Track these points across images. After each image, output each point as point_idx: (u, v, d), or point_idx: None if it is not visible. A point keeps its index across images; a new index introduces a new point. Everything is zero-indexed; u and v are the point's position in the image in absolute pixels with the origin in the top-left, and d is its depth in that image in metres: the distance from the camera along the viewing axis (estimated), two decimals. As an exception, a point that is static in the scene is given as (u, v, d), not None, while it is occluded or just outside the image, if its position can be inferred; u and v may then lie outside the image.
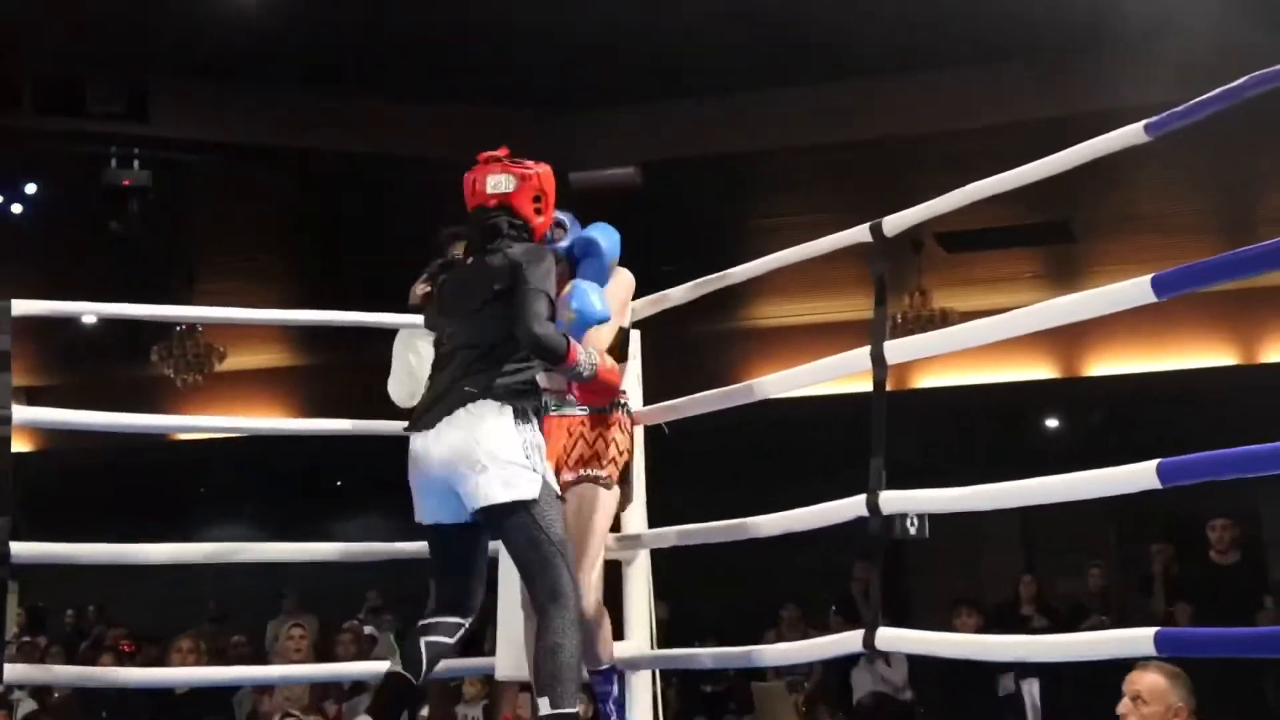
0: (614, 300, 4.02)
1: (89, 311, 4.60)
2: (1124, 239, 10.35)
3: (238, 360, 12.03)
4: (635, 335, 4.36)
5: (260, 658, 9.59)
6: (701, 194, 9.26)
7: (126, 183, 8.12)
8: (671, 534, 4.39)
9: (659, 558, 4.51)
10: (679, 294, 4.49)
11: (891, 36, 7.48)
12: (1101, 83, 7.49)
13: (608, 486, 4.04)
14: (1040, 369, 12.30)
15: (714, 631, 9.84)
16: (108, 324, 10.51)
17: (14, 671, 4.29)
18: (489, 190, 3.74)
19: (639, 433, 4.35)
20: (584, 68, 7.84)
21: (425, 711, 7.62)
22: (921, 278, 10.41)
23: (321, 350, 13.32)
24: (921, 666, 8.40)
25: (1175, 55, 6.83)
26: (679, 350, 7.00)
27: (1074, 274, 11.20)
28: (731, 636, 7.47)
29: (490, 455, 3.48)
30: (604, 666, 4.08)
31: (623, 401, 4.17)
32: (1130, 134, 3.17)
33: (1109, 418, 11.83)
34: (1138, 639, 2.93)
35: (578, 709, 3.44)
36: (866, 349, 3.77)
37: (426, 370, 3.86)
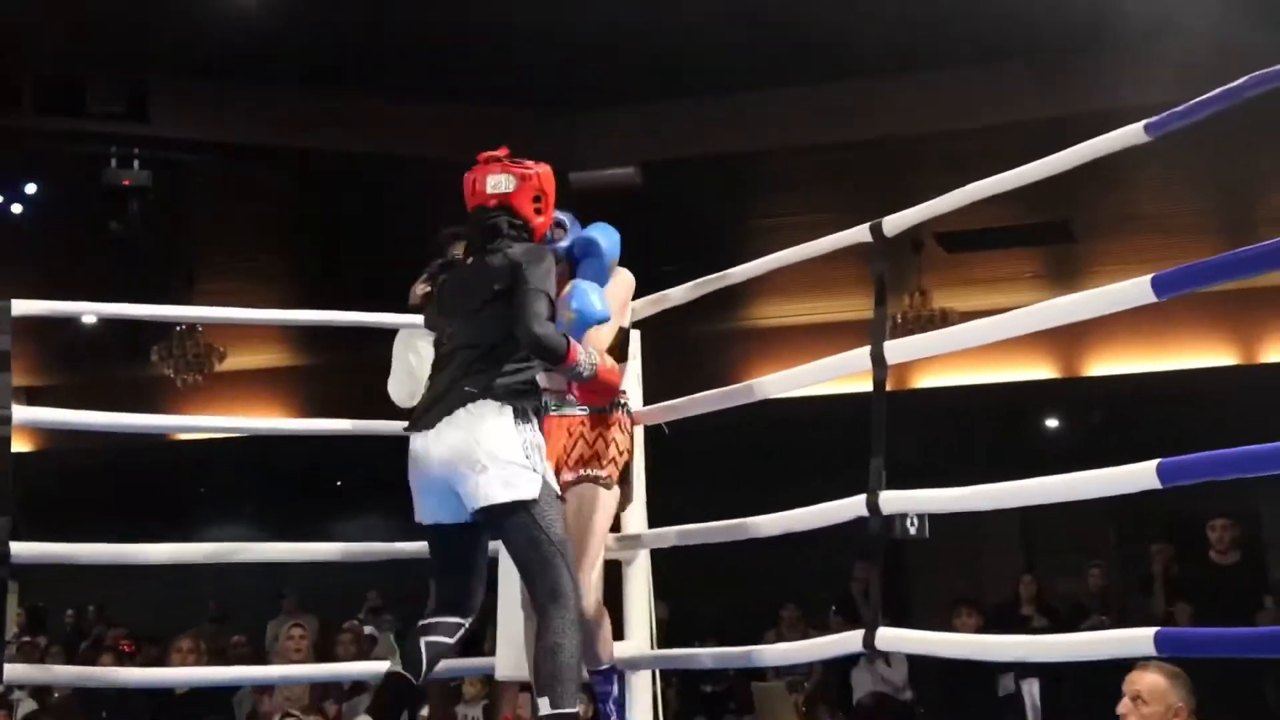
0: (614, 300, 4.02)
1: (89, 311, 4.60)
2: (1124, 239, 10.35)
3: (238, 360, 12.03)
4: (635, 335, 4.36)
5: (260, 658, 9.59)
6: (701, 194, 9.26)
7: (126, 183, 8.12)
8: (671, 534, 4.39)
9: (659, 558, 4.51)
10: (679, 294, 4.49)
11: (891, 36, 7.48)
12: (1102, 83, 7.49)
13: (608, 486, 4.04)
14: (1040, 369, 12.30)
15: (714, 631, 9.84)
16: (108, 324, 10.51)
17: (14, 671, 4.28)
18: (489, 190, 3.74)
19: (639, 433, 4.35)
20: (584, 68, 7.84)
21: (425, 712, 7.62)
22: (922, 278, 10.41)
23: (321, 350, 13.32)
24: (922, 666, 8.40)
25: (1175, 55, 6.83)
26: (679, 350, 7.00)
27: (1074, 274, 11.20)
28: (731, 636, 7.46)
29: (490, 455, 3.47)
30: (604, 666, 4.08)
31: (623, 402, 4.18)
32: (1130, 134, 3.17)
33: (1109, 418, 11.82)
34: (1138, 639, 2.93)
35: (578, 709, 3.43)
36: (866, 349, 3.77)
37: (426, 370, 3.86)
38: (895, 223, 3.82)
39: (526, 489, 3.48)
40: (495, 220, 3.73)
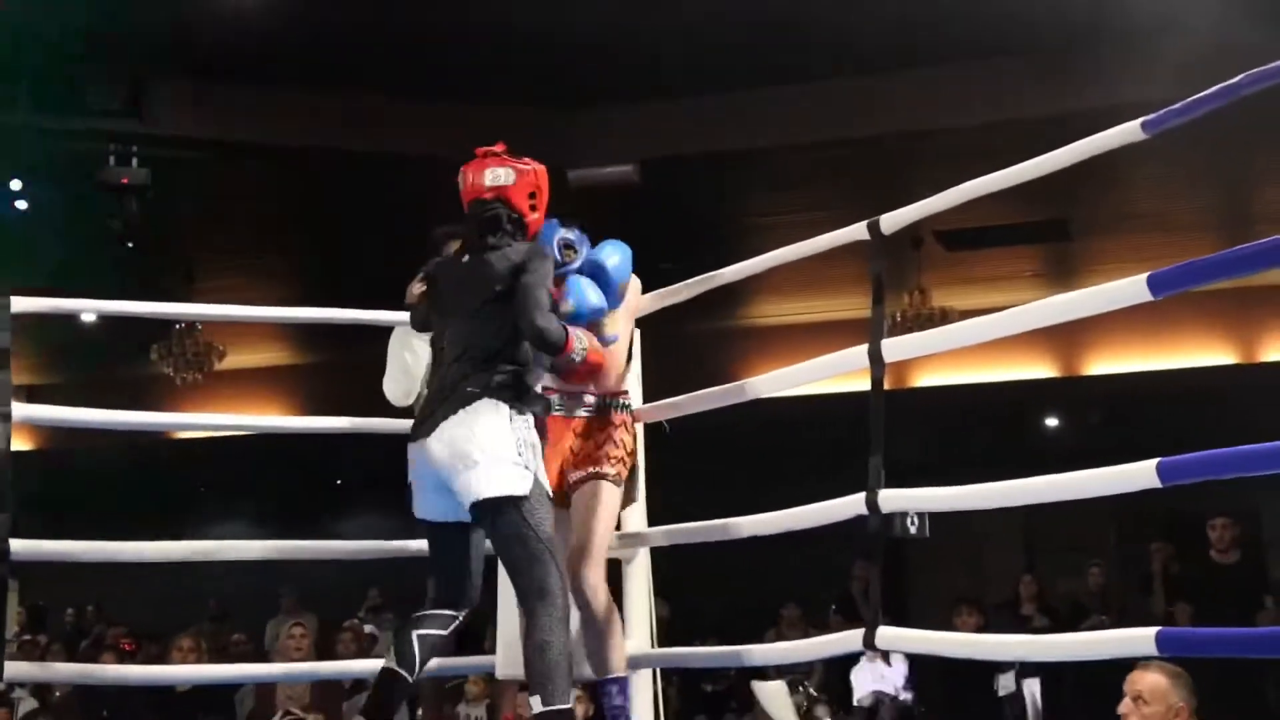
0: (625, 310, 4.06)
1: (88, 309, 4.61)
2: (1122, 237, 10.34)
3: (237, 358, 12.03)
4: (635, 334, 4.37)
5: (260, 656, 9.59)
6: (700, 192, 9.26)
7: (125, 180, 8.11)
8: (671, 532, 4.39)
9: (659, 556, 4.51)
10: (678, 292, 4.49)
11: (890, 34, 7.47)
12: (1101, 81, 7.49)
13: (616, 483, 4.05)
14: (1040, 368, 12.30)
15: (715, 630, 9.83)
16: (107, 322, 10.49)
17: (15, 669, 4.29)
18: (487, 183, 3.76)
19: (639, 430, 4.35)
20: (583, 67, 7.84)
21: (420, 712, 7.63)
22: (921, 276, 10.40)
23: (321, 349, 13.32)
24: (922, 666, 8.40)
25: (1175, 53, 6.83)
26: (678, 348, 6.99)
27: (1073, 272, 11.19)
28: (732, 635, 7.46)
29: (482, 451, 3.49)
30: (613, 675, 4.03)
31: (625, 401, 4.19)
32: (1128, 131, 3.17)
33: (1108, 417, 11.82)
34: (1140, 639, 2.93)
35: (570, 705, 3.43)
36: (865, 347, 3.77)
37: (422, 369, 3.87)
38: (893, 220, 3.82)
39: (517, 485, 3.49)
40: (494, 212, 3.73)
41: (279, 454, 12.20)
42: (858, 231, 3.89)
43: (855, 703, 8.74)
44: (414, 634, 3.62)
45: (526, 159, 3.82)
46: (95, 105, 7.77)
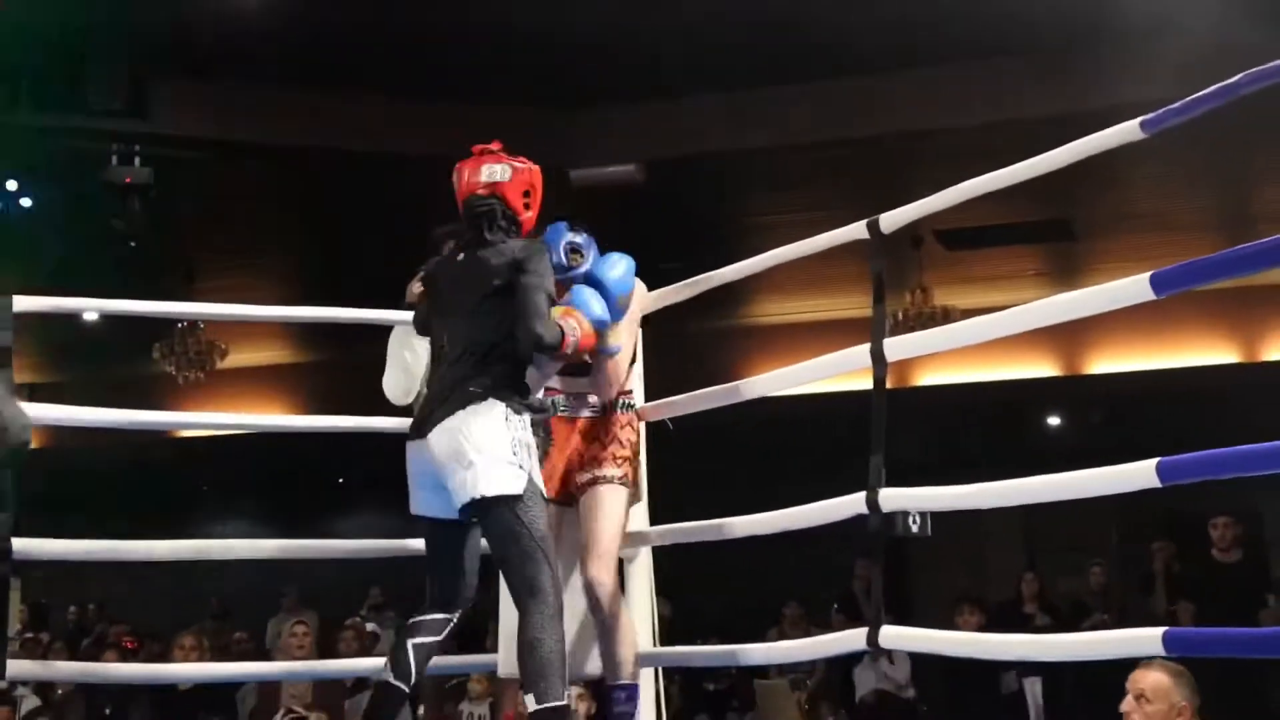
0: (627, 320, 4.07)
1: (91, 308, 4.61)
2: (1123, 237, 10.34)
3: (239, 357, 12.03)
4: (639, 333, 4.37)
5: (262, 654, 9.60)
6: (701, 192, 9.26)
7: (128, 180, 8.11)
8: (673, 531, 4.39)
9: (660, 555, 4.51)
10: (679, 291, 4.49)
11: (890, 34, 7.47)
12: (1101, 80, 7.49)
13: (624, 484, 4.05)
14: (1041, 367, 12.30)
15: (716, 629, 9.83)
16: (109, 321, 10.49)
17: (17, 668, 4.29)
18: (483, 179, 3.79)
19: (641, 429, 4.36)
20: (583, 67, 7.84)
21: (421, 711, 7.62)
22: (922, 275, 10.40)
23: (323, 347, 13.33)
24: (924, 664, 8.40)
25: (1174, 53, 6.83)
26: (679, 347, 6.99)
27: (1074, 272, 11.19)
28: (734, 634, 7.47)
29: (477, 450, 3.51)
30: (623, 681, 4.04)
31: (629, 401, 4.20)
32: (1127, 130, 3.17)
33: (1109, 416, 11.82)
34: (1146, 638, 2.94)
35: (564, 701, 3.44)
36: (866, 346, 3.77)
37: (422, 368, 3.88)
38: (892, 220, 3.83)
39: (511, 484, 3.51)
40: (490, 206, 3.76)
41: (281, 453, 12.21)
42: (857, 231, 3.90)
43: (857, 701, 8.75)
44: (409, 644, 3.65)
45: (522, 158, 3.85)
46: (97, 105, 7.77)
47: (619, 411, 4.14)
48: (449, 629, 3.71)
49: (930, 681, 8.67)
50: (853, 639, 3.78)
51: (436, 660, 3.77)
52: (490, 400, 3.55)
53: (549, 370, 3.91)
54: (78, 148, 8.33)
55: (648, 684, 4.35)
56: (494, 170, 3.79)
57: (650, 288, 4.35)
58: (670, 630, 5.78)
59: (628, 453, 4.10)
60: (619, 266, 4.02)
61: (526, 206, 3.82)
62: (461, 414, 3.54)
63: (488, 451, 3.50)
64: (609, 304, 3.93)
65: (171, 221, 9.15)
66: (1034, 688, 8.04)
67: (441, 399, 3.61)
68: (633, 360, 4.26)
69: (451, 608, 3.71)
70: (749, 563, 8.06)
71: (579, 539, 4.04)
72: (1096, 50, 7.51)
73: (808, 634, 8.78)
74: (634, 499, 4.18)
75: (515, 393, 3.61)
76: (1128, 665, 3.83)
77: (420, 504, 3.71)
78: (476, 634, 7.20)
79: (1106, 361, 12.15)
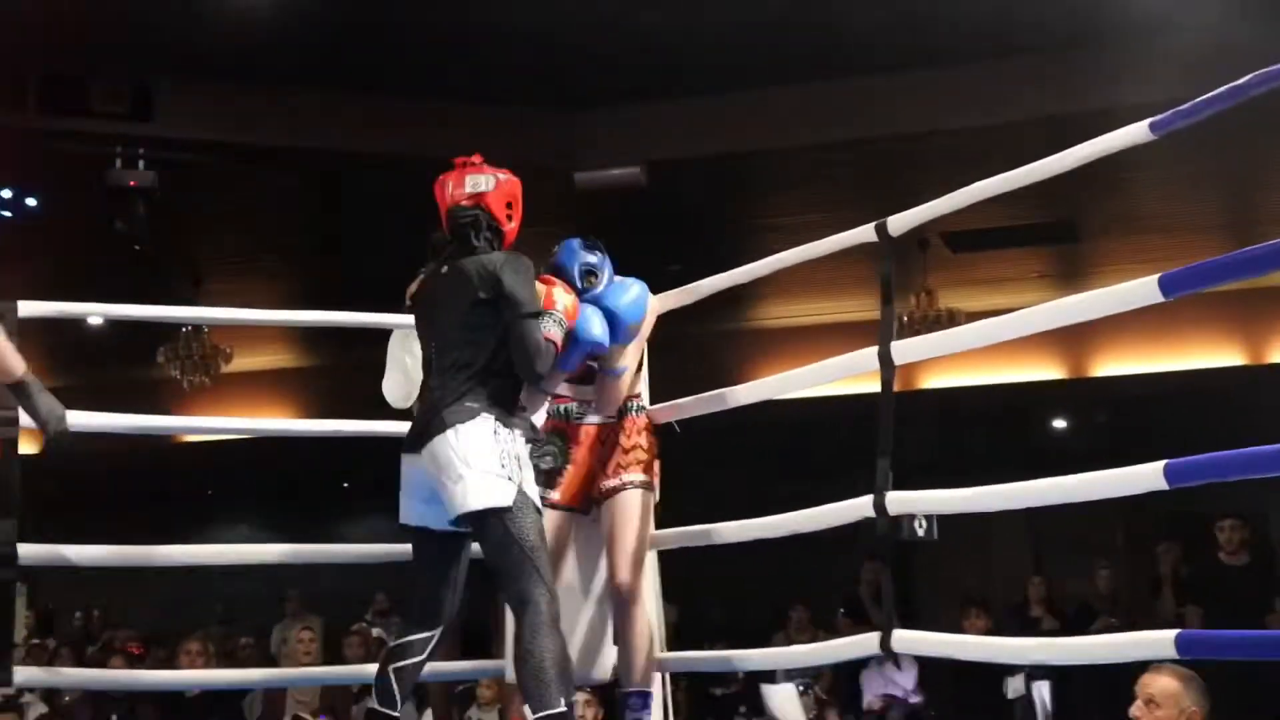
0: (634, 344, 4.08)
1: (95, 313, 4.62)
2: (1129, 239, 10.32)
3: (244, 361, 12.01)
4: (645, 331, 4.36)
5: (267, 660, 9.60)
6: (705, 194, 9.25)
7: (132, 183, 8.10)
8: (679, 535, 4.38)
9: (666, 560, 4.50)
10: (686, 295, 4.48)
11: (894, 35, 7.46)
12: (1103, 81, 7.47)
13: (647, 488, 4.07)
14: (1047, 369, 12.27)
15: (723, 633, 9.81)
16: (114, 325, 10.49)
17: (24, 674, 4.29)
18: (467, 190, 3.82)
19: (647, 433, 4.35)
20: (584, 68, 7.83)
21: (429, 716, 7.62)
22: (928, 278, 10.39)
23: (328, 351, 13.30)
24: (931, 668, 8.38)
25: (1178, 53, 6.82)
26: (684, 350, 6.98)
27: (1081, 274, 11.17)
28: (740, 638, 7.45)
29: (467, 465, 3.54)
30: (638, 688, 4.07)
31: (640, 404, 4.21)
32: (1135, 132, 3.17)
33: (1116, 418, 11.80)
34: (1158, 641, 2.93)
35: (563, 708, 3.44)
36: (874, 349, 3.76)
37: (421, 372, 3.90)
38: (900, 222, 3.82)
39: (500, 497, 3.53)
40: (474, 216, 3.79)
41: (285, 457, 12.19)
42: (865, 234, 3.89)
43: (865, 706, 8.73)
44: (390, 670, 3.66)
45: (505, 169, 3.88)
46: (101, 108, 7.77)
47: (632, 415, 4.15)
48: (432, 646, 3.72)
49: (937, 685, 8.64)
50: (866, 643, 3.77)
51: (446, 666, 3.78)
52: (478, 415, 3.58)
53: (551, 385, 3.90)
54: (82, 151, 8.32)
55: (655, 689, 4.34)
56: (478, 181, 3.83)
57: (654, 290, 4.35)
58: (676, 635, 5.77)
59: (646, 457, 4.12)
60: (631, 292, 4.02)
61: (509, 218, 3.85)
62: (450, 429, 3.57)
63: (476, 465, 3.53)
64: (618, 329, 3.93)
65: (177, 225, 9.15)
66: (1042, 692, 8.02)
67: (433, 413, 3.64)
68: (639, 367, 4.26)
69: (434, 623, 3.72)
70: (755, 567, 8.03)
71: (605, 544, 4.06)
72: (1097, 50, 7.49)
73: (814, 638, 8.76)
74: (654, 501, 4.19)
75: (502, 405, 3.64)
76: (1136, 669, 3.82)
77: (411, 514, 3.74)
78: (483, 641, 7.21)
79: (1112, 364, 12.13)
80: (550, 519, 3.92)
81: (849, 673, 8.86)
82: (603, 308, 3.94)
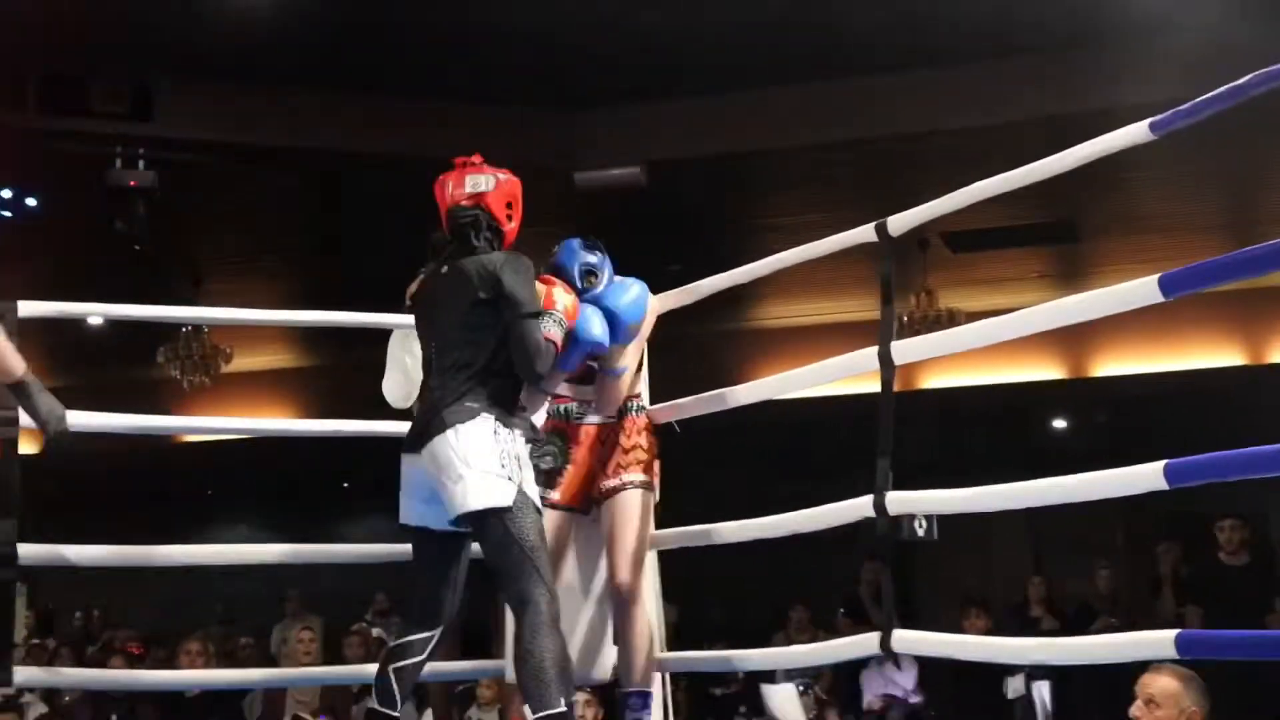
0: (634, 344, 4.08)
1: (95, 313, 4.62)
2: (1129, 239, 10.32)
3: (244, 361, 12.01)
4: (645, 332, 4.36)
5: (267, 660, 9.60)
6: (705, 194, 9.25)
7: (132, 183, 8.10)
8: (679, 535, 4.38)
9: (666, 560, 4.50)
10: (685, 295, 4.48)
11: (895, 34, 7.46)
12: (1107, 80, 7.47)
13: (647, 488, 4.07)
14: (1047, 369, 12.27)
15: (723, 633, 9.81)
16: (114, 325, 10.49)
17: (24, 675, 4.29)
18: (467, 190, 3.83)
19: (646, 433, 4.35)
20: (584, 68, 7.82)
21: (429, 715, 7.62)
22: (928, 278, 10.39)
23: (329, 351, 13.30)
24: (931, 668, 8.37)
25: (1180, 53, 6.81)
26: (684, 350, 6.98)
27: (1081, 274, 11.16)
28: (740, 638, 7.45)
29: (466, 465, 3.54)
30: (638, 688, 4.07)
31: (640, 404, 4.20)
32: (1136, 132, 3.17)
33: (1116, 418, 11.79)
34: (1159, 641, 2.93)
35: (562, 708, 3.44)
36: (874, 349, 3.76)
37: (421, 372, 3.90)
38: (900, 222, 3.82)
39: (500, 497, 3.53)
40: (474, 216, 3.79)
41: (285, 457, 12.18)
42: (865, 234, 3.89)
43: (865, 706, 8.72)
44: (390, 670, 3.66)
45: (504, 170, 3.88)
46: (101, 108, 7.76)
47: (632, 415, 4.15)
48: (431, 647, 3.72)
49: (937, 685, 8.64)
50: (867, 643, 3.77)
51: (446, 666, 3.78)
52: (478, 415, 3.58)
53: (551, 385, 3.90)
54: (82, 151, 8.32)
55: (654, 689, 4.34)
56: (478, 181, 3.83)
57: (654, 290, 4.35)
58: (676, 635, 5.77)
59: (646, 457, 4.12)
60: (631, 292, 4.02)
61: (509, 218, 3.85)
62: (450, 429, 3.57)
63: (476, 465, 3.53)
64: (618, 330, 3.94)
65: (177, 225, 9.15)
66: (1042, 692, 8.02)
67: (433, 413, 3.64)
68: (639, 367, 4.26)
69: (434, 623, 3.72)
70: (755, 567, 8.03)
71: (605, 544, 4.06)
72: (1097, 50, 7.49)
73: (814, 638, 8.76)
74: (654, 501, 4.19)
75: (501, 405, 3.64)
76: (1136, 669, 3.82)
77: (411, 514, 3.74)
78: (483, 640, 7.21)
79: (1112, 364, 12.12)
80: (550, 519, 3.92)
81: (849, 673, 8.86)
82: (603, 308, 3.94)
